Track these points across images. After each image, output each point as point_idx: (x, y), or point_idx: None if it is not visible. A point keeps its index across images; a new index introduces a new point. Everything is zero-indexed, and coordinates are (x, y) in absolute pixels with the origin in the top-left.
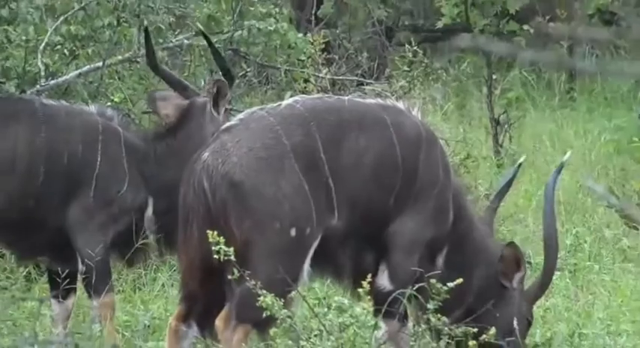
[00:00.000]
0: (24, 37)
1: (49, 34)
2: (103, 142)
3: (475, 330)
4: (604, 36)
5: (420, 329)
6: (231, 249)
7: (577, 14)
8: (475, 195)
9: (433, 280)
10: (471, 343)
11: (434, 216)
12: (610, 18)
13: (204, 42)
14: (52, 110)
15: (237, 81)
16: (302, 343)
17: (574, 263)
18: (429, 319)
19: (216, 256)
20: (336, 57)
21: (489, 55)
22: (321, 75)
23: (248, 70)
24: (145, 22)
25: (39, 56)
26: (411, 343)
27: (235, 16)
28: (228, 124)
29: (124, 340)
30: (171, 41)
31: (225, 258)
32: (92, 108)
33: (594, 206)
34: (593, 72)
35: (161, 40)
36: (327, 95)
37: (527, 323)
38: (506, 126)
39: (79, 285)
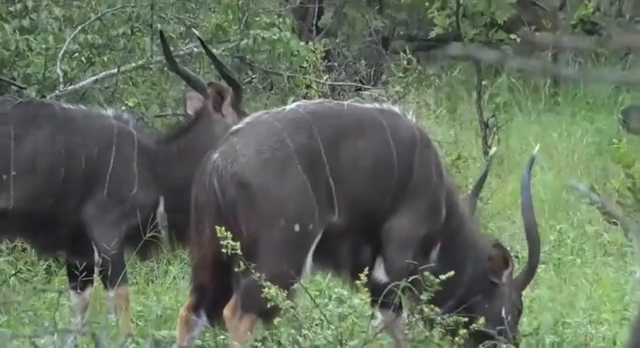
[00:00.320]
0: (44, 46)
1: (67, 42)
2: (117, 143)
3: (465, 319)
4: (586, 45)
5: (414, 319)
6: (238, 244)
7: (561, 24)
8: (466, 193)
9: (426, 273)
10: (462, 331)
11: (427, 213)
12: (592, 28)
13: (215, 51)
14: (71, 114)
15: (243, 87)
16: (304, 331)
17: (558, 257)
18: (422, 310)
19: (224, 251)
20: (336, 64)
21: (479, 63)
22: (321, 81)
23: (253, 76)
24: (159, 27)
25: (58, 63)
26: (406, 332)
27: (242, 25)
28: (236, 127)
29: (137, 329)
30: (182, 49)
31: (233, 252)
32: (109, 112)
33: (577, 204)
34: (576, 78)
35: (172, 48)
36: (327, 100)
37: (518, 311)
38: (494, 129)
39: (96, 277)
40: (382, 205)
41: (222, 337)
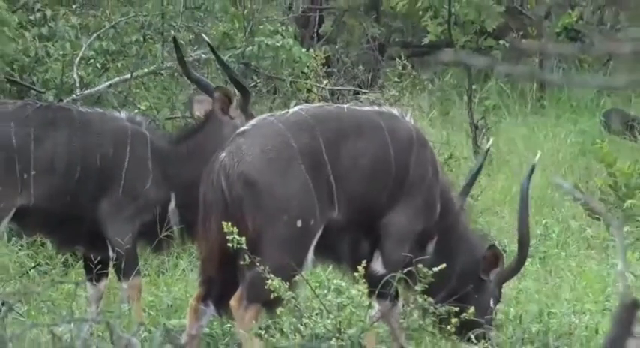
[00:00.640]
0: (61, 52)
1: (83, 49)
2: (131, 144)
3: (457, 309)
4: (570, 51)
5: (409, 308)
6: (243, 238)
7: (546, 32)
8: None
9: (420, 265)
10: (453, 320)
11: (423, 209)
12: (575, 36)
13: (222, 56)
14: (87, 116)
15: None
16: (305, 320)
17: (543, 251)
18: (416, 300)
19: (230, 245)
20: (335, 70)
21: (469, 68)
22: (322, 85)
23: (258, 81)
24: (173, 33)
25: (75, 69)
26: (401, 321)
27: (247, 33)
28: (242, 128)
29: (149, 318)
30: (191, 55)
31: (238, 246)
32: (122, 114)
33: (561, 200)
34: (561, 83)
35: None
36: (328, 104)
37: (496, 302)
38: (484, 130)
39: (110, 270)
40: (380, 202)
41: (228, 325)
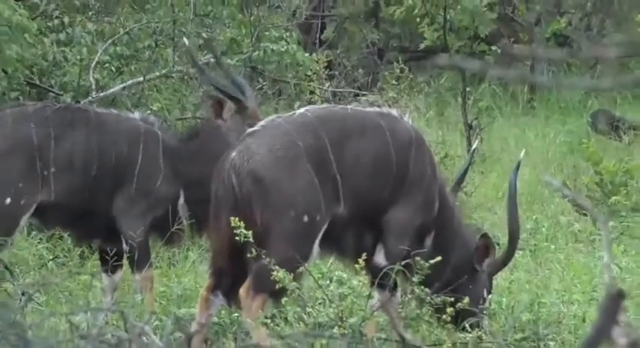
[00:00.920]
0: (78, 57)
1: (99, 54)
2: (144, 143)
3: (452, 299)
4: (559, 56)
5: (407, 299)
6: (250, 232)
7: (536, 37)
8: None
9: (417, 258)
10: (449, 309)
11: (422, 205)
12: (564, 41)
13: (228, 61)
14: (103, 117)
15: (254, 93)
16: (308, 310)
17: (534, 244)
18: (414, 290)
19: (237, 238)
20: (337, 73)
21: (464, 72)
22: (324, 88)
23: (264, 83)
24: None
25: (91, 72)
26: (399, 310)
27: (253, 39)
28: (251, 129)
29: (161, 308)
30: (200, 60)
31: (245, 239)
32: (136, 115)
33: (551, 197)
34: (550, 85)
35: (192, 59)
36: (332, 105)
37: (488, 292)
38: (477, 130)
39: (124, 262)
40: (382, 198)
41: (235, 314)
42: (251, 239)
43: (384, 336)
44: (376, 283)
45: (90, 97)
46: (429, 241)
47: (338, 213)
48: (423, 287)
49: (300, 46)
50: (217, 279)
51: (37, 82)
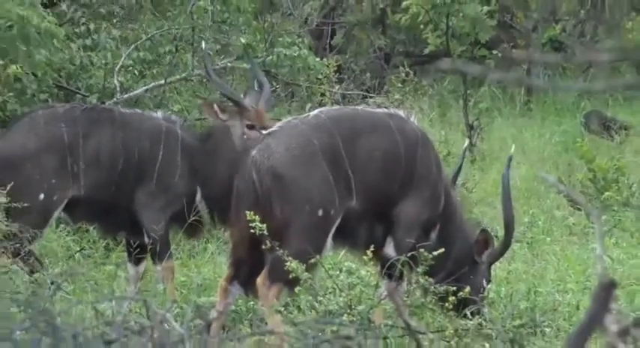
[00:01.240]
0: (103, 61)
1: (122, 58)
2: (164, 141)
3: (454, 289)
4: (554, 60)
5: (412, 288)
6: (265, 225)
7: (533, 43)
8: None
9: (421, 250)
10: (451, 298)
11: (429, 200)
12: (559, 46)
13: (244, 65)
14: (127, 117)
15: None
16: (319, 298)
17: (531, 237)
18: (418, 280)
19: (252, 231)
20: (346, 76)
21: (465, 75)
22: (334, 90)
23: (277, 86)
24: (202, 43)
25: (115, 76)
26: (405, 299)
27: (267, 44)
28: (270, 129)
29: (181, 296)
30: (218, 64)
31: (260, 232)
32: (158, 114)
33: (547, 192)
34: (546, 88)
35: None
36: (344, 106)
37: (487, 281)
38: (478, 130)
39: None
40: (391, 192)
41: (251, 303)
42: (265, 232)
43: (390, 323)
44: (383, 273)
45: (114, 99)
46: (434, 235)
47: (350, 207)
48: (427, 277)
49: (312, 51)
50: (236, 270)
51: (65, 85)
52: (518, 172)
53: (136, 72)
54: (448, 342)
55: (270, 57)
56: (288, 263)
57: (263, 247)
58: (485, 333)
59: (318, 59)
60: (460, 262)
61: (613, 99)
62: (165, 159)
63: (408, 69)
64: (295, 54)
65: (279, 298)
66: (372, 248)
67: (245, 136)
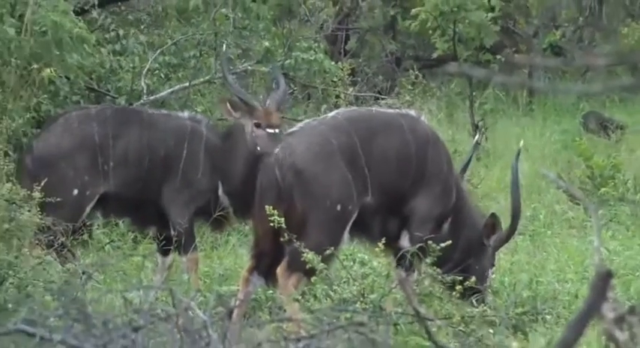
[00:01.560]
0: (131, 65)
1: (149, 62)
2: (189, 140)
3: (460, 278)
4: (554, 64)
5: (421, 277)
6: (283, 219)
7: (535, 48)
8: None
9: (430, 242)
10: (458, 287)
11: (441, 195)
12: (559, 51)
13: (263, 68)
14: (154, 117)
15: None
16: (334, 287)
17: (532, 229)
18: (427, 270)
19: (271, 224)
20: (359, 79)
21: (471, 78)
22: (348, 92)
23: (294, 88)
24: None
25: (142, 79)
26: (415, 288)
27: (285, 49)
28: (291, 129)
29: (204, 286)
30: (239, 67)
31: (278, 225)
32: (185, 114)
33: (547, 188)
34: (547, 90)
35: (231, 67)
36: (359, 108)
37: (492, 265)
38: (483, 129)
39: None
40: (405, 188)
41: (270, 292)
42: (283, 225)
43: (400, 310)
44: (394, 263)
45: (142, 100)
46: (446, 226)
47: (366, 202)
48: (435, 267)
49: (327, 56)
50: (257, 261)
51: (96, 87)
52: (520, 168)
53: (162, 75)
54: (455, 328)
55: (289, 61)
56: (305, 254)
57: (282, 239)
58: (490, 320)
59: (333, 63)
60: (470, 247)
61: (610, 100)
62: (189, 156)
63: (417, 72)
64: (312, 58)
65: (298, 287)
66: (383, 241)
67: (254, 134)
